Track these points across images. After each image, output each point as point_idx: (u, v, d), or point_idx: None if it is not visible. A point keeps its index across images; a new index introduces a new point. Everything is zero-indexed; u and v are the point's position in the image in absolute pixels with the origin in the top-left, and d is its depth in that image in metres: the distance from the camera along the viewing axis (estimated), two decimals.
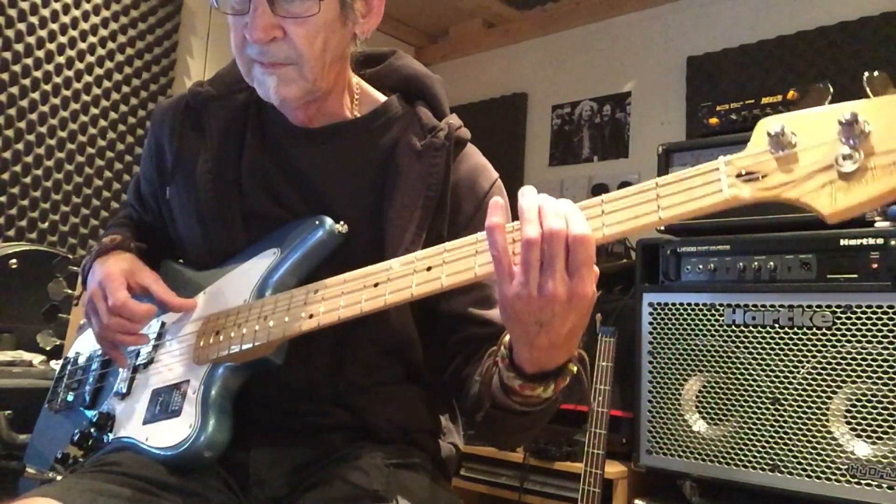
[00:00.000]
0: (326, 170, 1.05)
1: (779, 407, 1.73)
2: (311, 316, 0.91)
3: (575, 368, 0.82)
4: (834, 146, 0.63)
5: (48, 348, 2.05)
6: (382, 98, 1.11)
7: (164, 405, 1.00)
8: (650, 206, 0.71)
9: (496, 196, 1.08)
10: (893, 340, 1.61)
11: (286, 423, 1.03)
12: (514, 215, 0.77)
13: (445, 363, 1.04)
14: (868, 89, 0.66)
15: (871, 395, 1.61)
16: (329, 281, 0.92)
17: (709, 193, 0.69)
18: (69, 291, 2.08)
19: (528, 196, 0.75)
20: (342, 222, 1.00)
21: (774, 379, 1.75)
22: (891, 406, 1.59)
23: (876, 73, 0.66)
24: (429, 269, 0.83)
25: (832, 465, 1.64)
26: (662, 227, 1.99)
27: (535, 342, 0.76)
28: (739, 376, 1.80)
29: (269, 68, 0.95)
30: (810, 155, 0.65)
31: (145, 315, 1.03)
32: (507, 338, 0.83)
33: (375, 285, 0.87)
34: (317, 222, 1.00)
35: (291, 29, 0.92)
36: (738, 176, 0.68)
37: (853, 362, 1.65)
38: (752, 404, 1.77)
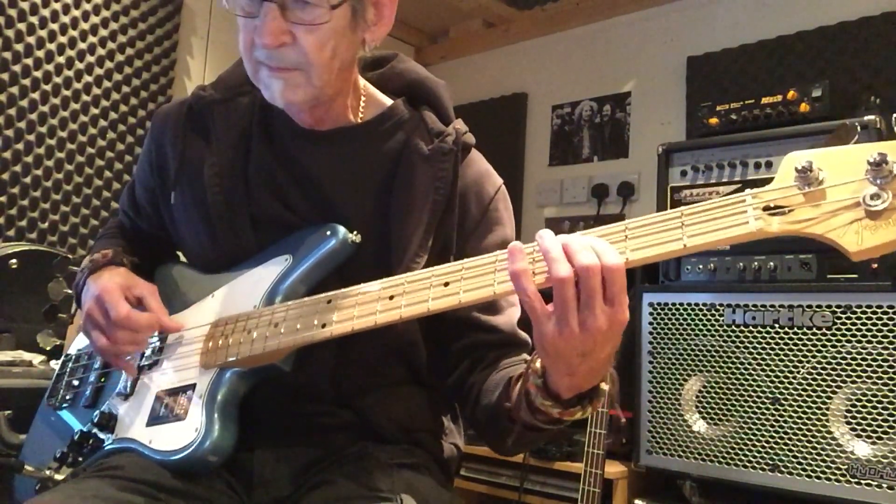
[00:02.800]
0: (333, 173, 1.05)
1: (779, 407, 1.73)
2: (323, 325, 0.90)
3: (607, 387, 0.82)
4: (862, 185, 0.65)
5: (48, 348, 2.04)
6: (388, 102, 1.11)
7: (168, 408, 0.99)
8: (675, 233, 0.72)
9: (501, 204, 1.09)
10: (893, 340, 1.61)
11: (289, 424, 1.03)
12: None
13: (450, 368, 1.04)
14: None
15: (871, 395, 1.62)
16: (343, 291, 0.92)
17: (735, 224, 0.69)
18: (69, 291, 2.07)
19: (548, 236, 0.75)
20: (355, 232, 1.00)
21: (774, 379, 1.75)
22: (891, 406, 1.59)
23: None
24: (446, 284, 0.82)
25: (832, 465, 1.65)
26: None
27: (576, 371, 0.77)
28: (739, 376, 1.81)
29: (276, 72, 0.94)
30: (838, 192, 0.66)
31: (149, 325, 1.02)
32: (538, 364, 0.82)
33: (391, 298, 0.86)
34: (329, 232, 1.00)
35: (301, 35, 0.92)
36: (765, 209, 0.69)
37: (853, 362, 1.65)
38: (752, 404, 1.77)
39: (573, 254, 0.72)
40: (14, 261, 2.08)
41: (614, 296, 0.72)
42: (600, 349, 0.74)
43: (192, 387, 0.99)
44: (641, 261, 0.73)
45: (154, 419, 1.00)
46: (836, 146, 0.68)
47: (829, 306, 1.70)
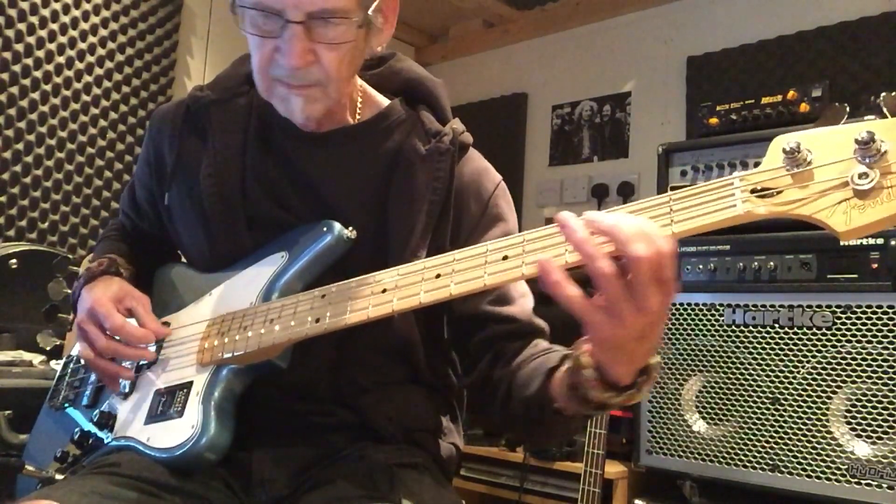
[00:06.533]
0: (330, 173, 1.05)
1: (779, 407, 1.73)
2: (317, 320, 0.90)
3: (656, 358, 0.78)
4: (850, 164, 0.64)
5: (48, 348, 2.04)
6: (385, 102, 1.11)
7: (166, 406, 0.99)
8: (663, 220, 0.70)
9: (501, 199, 1.08)
10: (893, 340, 1.61)
11: (288, 423, 1.03)
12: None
13: (471, 365, 1.03)
14: (884, 109, 0.67)
15: (871, 395, 1.62)
16: (336, 286, 0.92)
17: (723, 208, 0.68)
18: (69, 291, 2.07)
19: (577, 226, 0.69)
20: (351, 228, 1.00)
21: (774, 379, 1.75)
22: (891, 406, 1.59)
23: (894, 94, 0.67)
24: (437, 276, 0.82)
25: (832, 465, 1.64)
26: None
27: (635, 355, 0.74)
28: (739, 376, 1.81)
29: (295, 90, 0.95)
30: (826, 172, 0.65)
31: (143, 339, 1.01)
32: (586, 358, 0.78)
33: (383, 291, 0.86)
34: (325, 228, 1.00)
35: (324, 53, 0.92)
36: (753, 191, 0.68)
37: (853, 362, 1.65)
38: (752, 404, 1.77)
39: (624, 243, 0.67)
40: (14, 261, 2.08)
41: (668, 278, 0.68)
42: (656, 328, 0.71)
43: (190, 384, 0.99)
44: None
45: (152, 417, 1.00)
46: (824, 127, 0.67)
47: (829, 306, 1.70)
